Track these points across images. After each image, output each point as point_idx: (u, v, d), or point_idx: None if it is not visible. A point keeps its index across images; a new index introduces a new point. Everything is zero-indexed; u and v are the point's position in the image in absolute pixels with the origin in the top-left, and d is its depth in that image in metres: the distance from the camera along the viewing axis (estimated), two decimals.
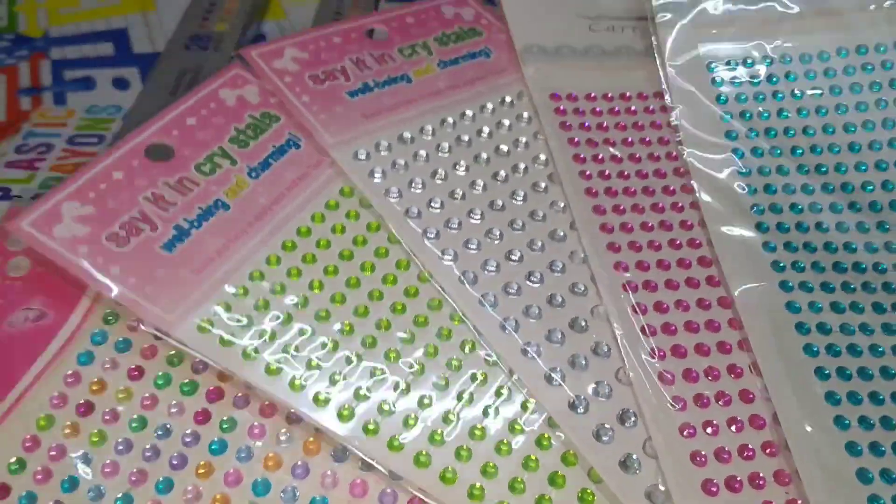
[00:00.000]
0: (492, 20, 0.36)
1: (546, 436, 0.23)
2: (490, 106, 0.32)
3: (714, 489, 0.22)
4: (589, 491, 0.22)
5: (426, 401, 0.24)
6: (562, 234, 0.28)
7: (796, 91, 0.31)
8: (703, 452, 0.22)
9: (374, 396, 0.24)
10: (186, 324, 0.25)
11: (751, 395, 0.23)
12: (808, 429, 0.23)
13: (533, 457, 0.23)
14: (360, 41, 0.34)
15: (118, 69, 0.49)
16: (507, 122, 0.31)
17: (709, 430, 0.23)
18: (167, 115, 0.30)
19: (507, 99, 0.32)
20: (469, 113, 0.32)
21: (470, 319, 0.25)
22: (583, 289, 0.26)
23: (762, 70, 0.31)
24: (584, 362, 0.24)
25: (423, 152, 0.30)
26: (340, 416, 0.23)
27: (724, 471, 0.22)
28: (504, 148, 0.31)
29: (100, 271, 0.26)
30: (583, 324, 0.25)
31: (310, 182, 0.30)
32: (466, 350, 0.25)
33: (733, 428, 0.23)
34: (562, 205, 0.29)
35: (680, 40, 0.32)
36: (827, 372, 0.24)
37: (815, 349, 0.24)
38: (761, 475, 0.22)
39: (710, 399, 0.23)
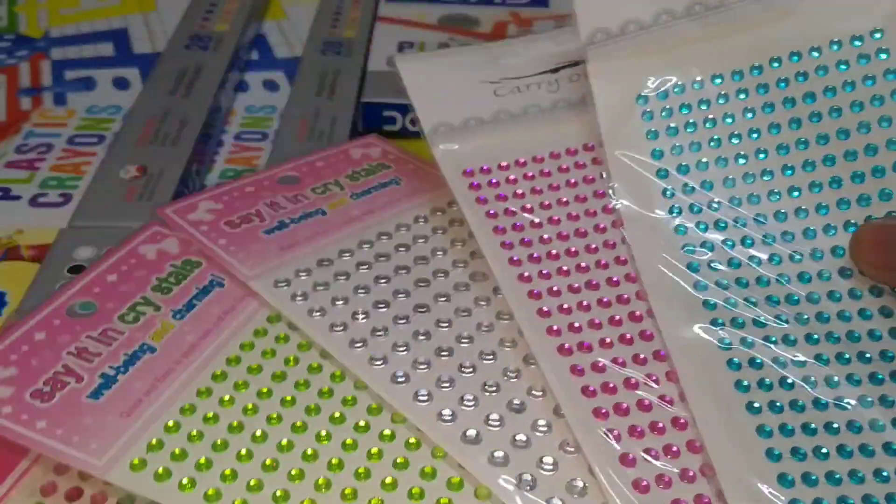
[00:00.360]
0: (399, 155, 0.38)
1: None
2: (407, 222, 0.33)
3: None
4: None
5: None
6: (488, 324, 0.28)
7: (728, 113, 0.31)
8: None
9: None
10: (118, 466, 0.24)
11: (697, 445, 0.23)
12: (738, 459, 0.23)
13: None
14: (273, 188, 0.35)
15: (118, 69, 0.48)
16: (425, 234, 0.32)
17: (661, 484, 0.23)
18: (87, 276, 0.30)
19: (422, 214, 0.33)
20: (387, 231, 0.33)
21: (410, 418, 0.25)
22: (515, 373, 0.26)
23: (693, 96, 0.31)
24: (525, 439, 0.24)
25: (344, 271, 0.31)
26: None
27: None
28: (424, 256, 0.31)
29: (25, 429, 0.25)
30: (517, 404, 0.25)
31: (237, 315, 0.30)
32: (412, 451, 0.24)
33: (685, 480, 0.23)
34: (487, 298, 0.29)
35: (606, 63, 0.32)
36: (758, 405, 0.24)
37: (746, 384, 0.24)
38: None
39: (658, 452, 0.23)
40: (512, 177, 0.32)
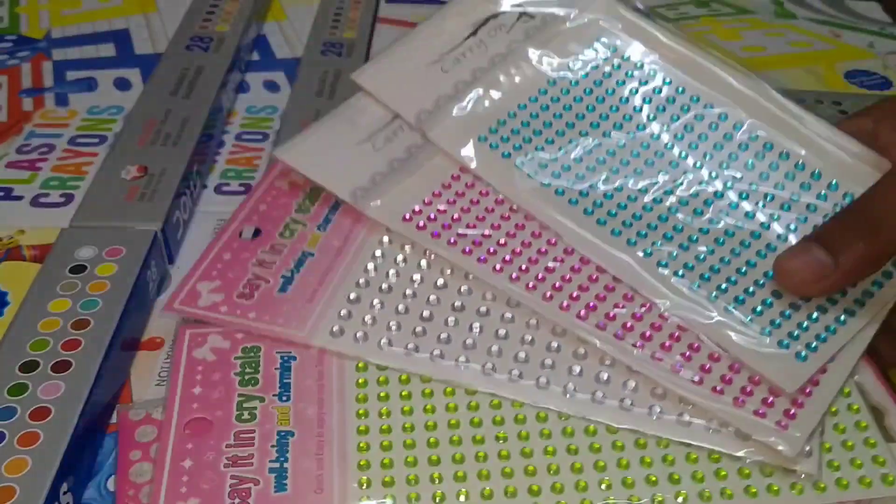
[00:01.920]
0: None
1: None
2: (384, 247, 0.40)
3: None
4: None
5: None
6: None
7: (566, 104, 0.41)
8: None
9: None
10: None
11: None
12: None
13: None
14: (244, 245, 0.40)
15: (120, 70, 0.51)
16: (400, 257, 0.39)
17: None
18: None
19: (385, 239, 0.40)
20: (378, 253, 0.39)
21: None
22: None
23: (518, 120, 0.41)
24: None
25: (376, 301, 0.37)
26: None
27: None
28: (417, 277, 0.38)
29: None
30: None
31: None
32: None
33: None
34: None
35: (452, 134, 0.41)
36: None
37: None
38: None
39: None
40: (441, 208, 0.39)
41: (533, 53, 0.43)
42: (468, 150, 0.41)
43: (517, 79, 0.42)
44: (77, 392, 0.34)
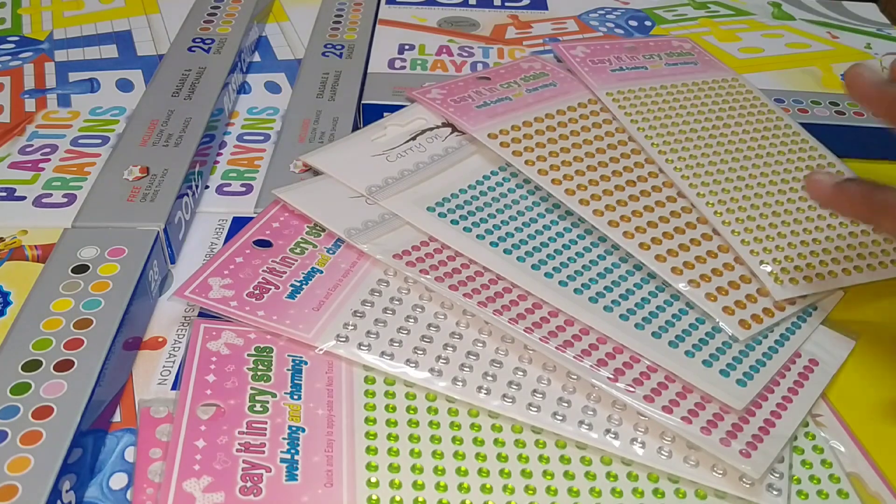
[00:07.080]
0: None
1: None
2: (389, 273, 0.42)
3: None
4: None
5: None
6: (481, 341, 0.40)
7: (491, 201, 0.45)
8: None
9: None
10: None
11: None
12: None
13: None
14: (256, 253, 0.41)
15: (122, 71, 0.50)
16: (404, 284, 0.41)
17: None
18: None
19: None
20: (384, 277, 0.41)
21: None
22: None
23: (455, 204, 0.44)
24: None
25: (380, 317, 0.39)
26: None
27: None
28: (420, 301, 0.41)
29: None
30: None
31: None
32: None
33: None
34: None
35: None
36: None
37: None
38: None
39: None
40: (429, 252, 0.42)
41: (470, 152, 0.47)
42: (418, 217, 0.44)
43: (458, 168, 0.46)
44: (79, 391, 0.34)
